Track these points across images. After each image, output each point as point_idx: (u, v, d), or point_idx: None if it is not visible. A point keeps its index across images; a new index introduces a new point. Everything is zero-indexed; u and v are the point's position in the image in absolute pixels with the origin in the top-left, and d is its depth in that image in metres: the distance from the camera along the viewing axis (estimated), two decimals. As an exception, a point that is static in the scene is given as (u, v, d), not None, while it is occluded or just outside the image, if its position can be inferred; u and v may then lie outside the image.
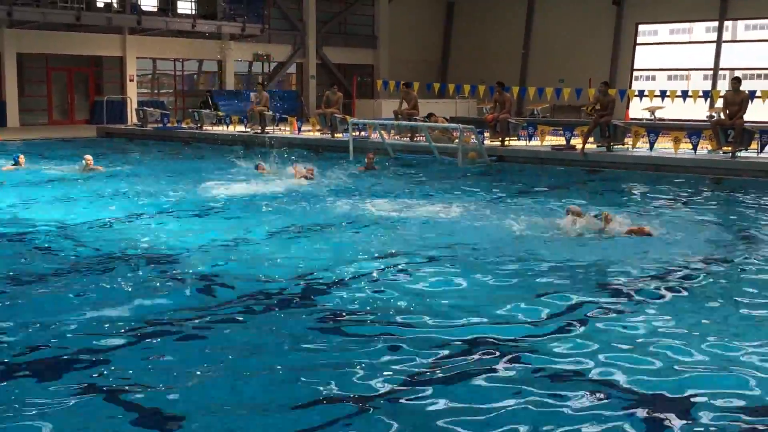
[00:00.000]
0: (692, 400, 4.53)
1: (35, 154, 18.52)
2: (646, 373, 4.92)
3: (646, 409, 4.41)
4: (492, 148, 18.75)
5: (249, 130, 24.49)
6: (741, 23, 41.78)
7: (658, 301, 6.54)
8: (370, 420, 4.29)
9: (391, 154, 18.87)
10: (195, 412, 4.37)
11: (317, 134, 23.23)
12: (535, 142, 19.31)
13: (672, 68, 46.64)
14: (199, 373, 4.94)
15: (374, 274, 7.45)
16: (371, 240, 9.07)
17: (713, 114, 24.24)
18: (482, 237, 9.16)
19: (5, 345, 5.40)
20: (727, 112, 16.67)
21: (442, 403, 4.46)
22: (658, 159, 16.79)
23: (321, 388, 4.66)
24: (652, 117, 29.53)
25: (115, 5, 30.21)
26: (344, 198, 12.19)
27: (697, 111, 28.05)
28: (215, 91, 32.55)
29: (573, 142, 18.54)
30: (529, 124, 20.31)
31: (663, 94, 24.28)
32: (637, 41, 35.33)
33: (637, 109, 31.55)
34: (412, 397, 4.56)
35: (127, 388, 4.68)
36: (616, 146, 18.11)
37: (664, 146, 17.81)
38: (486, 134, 19.70)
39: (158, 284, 7.09)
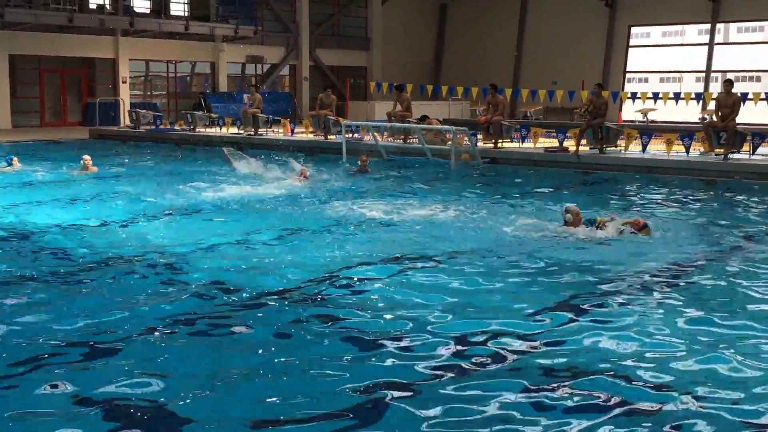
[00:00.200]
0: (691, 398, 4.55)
1: (27, 155, 18.46)
2: (643, 372, 4.93)
3: (646, 407, 4.42)
4: (485, 150, 18.77)
5: (242, 131, 24.47)
6: (733, 25, 41.90)
7: (654, 300, 6.56)
8: (367, 420, 4.28)
9: (384, 156, 18.87)
10: (192, 412, 4.37)
11: (310, 136, 23.23)
12: (528, 144, 19.33)
13: (664, 70, 46.83)
14: (195, 373, 4.94)
15: (368, 276, 7.44)
16: (364, 242, 9.07)
17: (705, 116, 24.35)
18: (475, 239, 9.17)
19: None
20: (720, 114, 16.73)
21: (439, 404, 4.46)
22: (651, 161, 16.83)
23: (318, 388, 4.67)
24: (645, 119, 29.61)
25: (107, 7, 30.14)
26: (337, 200, 12.18)
27: (690, 113, 28.15)
28: (208, 93, 32.50)
29: (566, 144, 18.57)
30: (522, 126, 20.34)
31: (655, 97, 24.32)
32: (630, 43, 35.40)
33: (630, 111, 31.62)
34: (410, 397, 4.56)
35: (122, 390, 4.67)
36: (608, 148, 18.15)
37: (657, 148, 17.85)
38: (479, 136, 19.72)
39: (153, 286, 7.08)
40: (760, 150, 16.55)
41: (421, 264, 7.95)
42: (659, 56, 39.97)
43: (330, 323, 5.98)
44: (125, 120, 28.82)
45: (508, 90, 26.84)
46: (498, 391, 4.67)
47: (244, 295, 6.76)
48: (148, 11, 31.59)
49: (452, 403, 4.51)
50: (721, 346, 5.46)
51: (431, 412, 4.37)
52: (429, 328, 5.82)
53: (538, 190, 14.22)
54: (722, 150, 16.48)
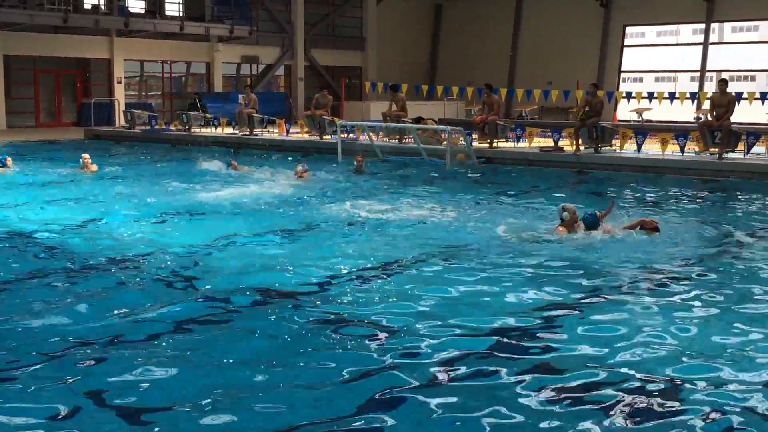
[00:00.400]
0: (688, 396, 4.56)
1: (21, 156, 18.44)
2: (638, 371, 4.94)
3: (646, 405, 4.43)
4: (480, 150, 18.78)
5: (237, 132, 24.47)
6: (728, 25, 42.02)
7: (648, 299, 6.57)
8: (363, 420, 4.28)
9: (379, 156, 18.87)
10: (186, 411, 4.37)
11: (306, 136, 23.23)
12: (523, 144, 19.35)
13: (659, 70, 46.89)
14: (191, 373, 4.94)
15: (364, 276, 7.44)
16: (361, 242, 9.08)
17: (700, 116, 24.36)
18: (471, 238, 9.18)
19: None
20: (714, 113, 16.76)
21: (436, 403, 4.47)
22: (646, 160, 16.86)
23: (313, 387, 4.67)
24: (640, 119, 29.64)
25: (102, 7, 30.10)
26: (334, 200, 12.18)
27: (685, 113, 28.21)
28: (203, 94, 32.47)
29: (561, 143, 18.59)
30: (518, 126, 20.35)
31: (650, 96, 24.36)
32: (625, 43, 35.46)
33: (625, 111, 31.67)
34: (406, 396, 4.56)
35: (116, 391, 4.67)
36: (604, 148, 18.18)
37: (652, 148, 17.88)
38: (474, 136, 19.73)
39: (151, 287, 7.08)
40: (754, 149, 16.60)
41: (417, 264, 7.95)
42: (654, 56, 40.06)
43: (326, 323, 5.98)
44: (120, 120, 28.79)
45: (503, 90, 26.87)
46: (498, 390, 4.68)
47: (241, 294, 6.75)
48: (142, 11, 31.56)
49: (450, 402, 4.51)
50: (725, 344, 5.48)
51: (429, 412, 4.37)
52: (428, 327, 5.82)
53: (534, 189, 14.23)
54: (717, 149, 16.51)
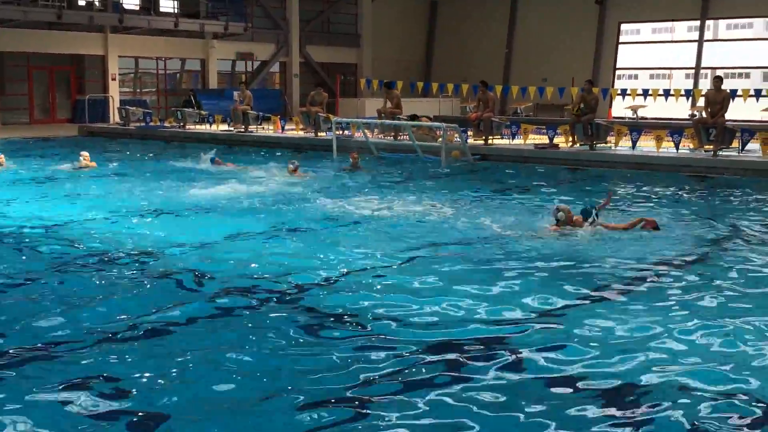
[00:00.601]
0: (683, 395, 4.56)
1: (15, 152, 18.39)
2: (634, 369, 4.94)
3: (639, 404, 4.43)
4: (475, 147, 18.78)
5: (232, 129, 24.43)
6: (722, 22, 41.98)
7: (642, 297, 6.57)
8: (359, 419, 4.28)
9: (374, 153, 18.86)
10: (181, 412, 4.36)
11: (301, 133, 23.20)
12: (518, 141, 19.36)
13: (654, 67, 46.85)
14: (185, 373, 4.93)
15: (359, 274, 7.43)
16: (356, 240, 9.07)
17: (695, 113, 24.38)
18: (466, 235, 9.18)
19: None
20: (709, 110, 16.78)
21: (430, 404, 4.47)
22: (641, 157, 16.88)
23: (307, 389, 4.66)
24: (635, 116, 29.66)
25: (96, 3, 29.97)
26: (329, 197, 12.17)
27: (679, 110, 28.18)
28: (198, 90, 32.41)
29: (556, 140, 18.60)
30: (513, 123, 20.37)
31: (645, 93, 24.33)
32: (620, 40, 35.46)
33: (620, 108, 31.67)
34: (401, 396, 4.56)
35: (111, 390, 4.66)
36: (599, 144, 18.19)
37: (647, 145, 17.90)
38: (469, 133, 19.73)
39: (142, 284, 7.07)
40: (749, 146, 16.63)
41: (412, 261, 7.95)
42: (649, 53, 40.07)
43: (321, 321, 5.97)
44: (115, 117, 28.71)
45: (498, 87, 26.80)
46: (493, 390, 4.67)
47: (237, 292, 6.74)
48: (137, 8, 31.44)
49: (446, 401, 4.51)
50: (711, 340, 5.48)
51: (422, 411, 4.37)
52: (423, 325, 5.82)
53: (529, 186, 14.23)
54: (711, 146, 16.54)
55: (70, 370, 4.94)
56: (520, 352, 5.25)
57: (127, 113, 27.02)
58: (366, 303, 6.42)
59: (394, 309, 6.23)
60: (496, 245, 8.63)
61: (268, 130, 24.10)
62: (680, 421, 4.23)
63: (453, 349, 5.32)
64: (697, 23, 33.55)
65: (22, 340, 5.48)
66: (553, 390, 4.64)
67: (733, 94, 18.24)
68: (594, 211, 9.14)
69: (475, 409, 4.39)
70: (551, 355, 5.22)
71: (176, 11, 31.43)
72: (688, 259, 8.05)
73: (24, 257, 8.28)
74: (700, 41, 33.14)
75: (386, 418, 4.26)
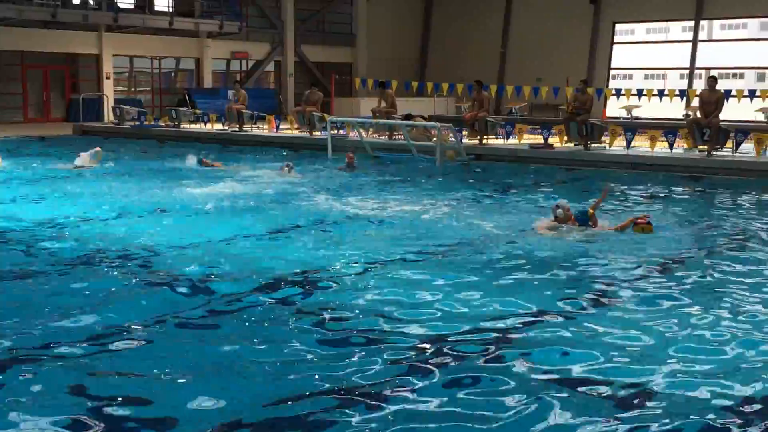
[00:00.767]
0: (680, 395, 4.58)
1: (3, 150, 18.35)
2: (629, 370, 4.96)
3: (632, 405, 4.44)
4: (470, 147, 18.80)
5: (227, 128, 24.41)
6: (717, 23, 42.17)
7: (635, 297, 6.59)
8: (352, 420, 4.28)
9: (369, 153, 18.86)
10: (176, 412, 4.36)
11: (295, 132, 23.19)
12: (513, 141, 19.38)
13: (649, 67, 46.98)
14: (179, 373, 4.93)
15: (354, 273, 7.43)
16: (351, 239, 9.07)
17: (689, 113, 24.42)
18: (461, 235, 9.19)
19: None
20: (703, 111, 16.82)
21: (427, 403, 4.47)
22: (635, 157, 16.91)
23: (301, 388, 4.66)
24: (629, 116, 29.69)
25: (91, 2, 29.92)
26: (324, 197, 12.18)
27: (674, 110, 28.24)
28: (193, 89, 32.38)
29: (551, 140, 18.63)
30: (507, 123, 20.39)
31: (640, 93, 24.40)
32: (614, 40, 35.51)
33: (615, 108, 31.71)
34: (395, 396, 4.56)
35: (106, 390, 4.66)
36: (593, 144, 18.22)
37: (641, 145, 17.93)
38: (464, 132, 19.75)
39: (138, 285, 7.06)
40: (743, 147, 16.66)
41: (407, 260, 7.96)
42: (643, 53, 40.13)
43: (314, 320, 5.97)
44: (109, 116, 28.66)
45: (493, 86, 26.88)
46: (487, 389, 4.68)
47: (230, 292, 6.74)
48: (132, 7, 31.41)
49: (440, 401, 4.52)
50: (715, 344, 5.50)
51: (415, 412, 4.38)
52: (418, 325, 5.83)
53: (523, 186, 14.24)
54: (706, 147, 16.58)
55: (57, 372, 4.94)
56: (517, 352, 5.26)
57: (122, 112, 26.98)
58: (361, 302, 6.42)
59: (390, 308, 6.22)
60: (490, 244, 8.64)
61: (262, 129, 24.09)
62: (681, 421, 4.25)
63: (447, 347, 5.32)
64: (692, 23, 33.62)
65: (14, 341, 5.46)
66: (552, 390, 4.65)
67: (727, 94, 18.29)
68: (588, 220, 9.14)
69: (471, 410, 4.40)
70: (549, 354, 5.24)
71: (171, 10, 31.40)
72: (681, 258, 8.07)
73: (12, 256, 8.26)
74: (695, 41, 33.20)
75: (384, 418, 4.26)
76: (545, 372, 4.93)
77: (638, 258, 7.98)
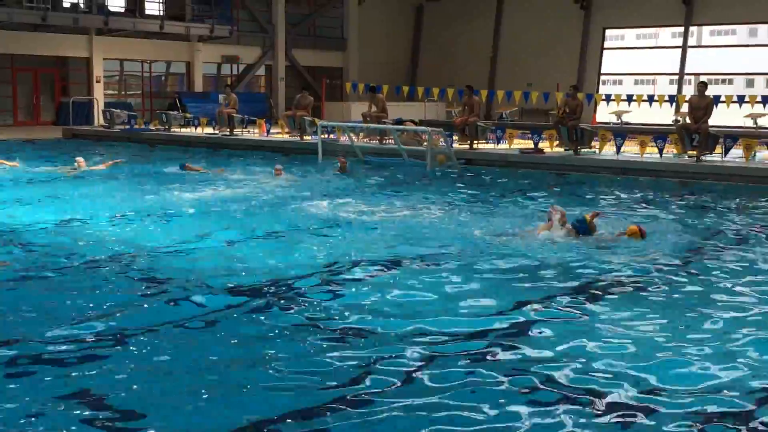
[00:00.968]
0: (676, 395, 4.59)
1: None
2: (623, 372, 4.97)
3: (628, 405, 4.46)
4: (461, 151, 18.82)
5: (217, 132, 24.39)
6: (706, 29, 42.39)
7: (628, 300, 6.61)
8: (346, 421, 4.28)
9: (360, 157, 18.87)
10: (168, 414, 4.35)
11: (286, 136, 23.18)
12: (503, 146, 19.42)
13: (638, 73, 47.16)
14: (172, 375, 4.92)
15: (345, 277, 7.44)
16: (342, 244, 9.07)
17: (679, 118, 24.55)
18: (452, 239, 9.19)
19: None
20: (693, 116, 16.89)
21: (422, 403, 4.48)
22: (625, 162, 16.96)
23: (297, 389, 4.66)
24: (619, 121, 29.82)
25: (81, 5, 29.88)
26: (315, 201, 12.18)
27: (663, 115, 28.41)
28: (183, 93, 32.33)
29: (541, 145, 18.67)
30: (498, 128, 20.44)
31: (630, 99, 24.53)
32: (605, 46, 35.65)
33: (604, 113, 31.85)
34: (389, 396, 4.57)
35: (101, 392, 4.65)
36: (583, 149, 18.27)
37: (631, 150, 17.99)
38: (455, 137, 19.78)
39: (132, 288, 7.05)
40: (732, 152, 16.74)
41: (398, 265, 7.96)
42: (633, 59, 40.37)
43: (307, 324, 5.97)
44: (99, 119, 28.60)
45: (483, 91, 26.94)
46: (479, 391, 4.69)
47: (223, 295, 6.74)
48: (122, 10, 31.35)
49: (435, 401, 4.52)
50: (709, 346, 5.53)
51: (411, 412, 4.38)
52: (405, 329, 5.83)
53: (514, 190, 14.27)
54: (695, 152, 16.65)
55: (51, 374, 4.92)
56: (510, 353, 5.27)
57: (112, 116, 26.93)
58: (352, 305, 6.41)
59: (381, 311, 6.23)
60: (481, 248, 8.65)
61: (253, 133, 24.07)
62: (680, 422, 4.26)
63: (439, 349, 5.33)
64: (681, 29, 33.78)
65: (3, 347, 5.44)
66: (549, 390, 4.66)
67: (717, 99, 18.39)
68: (589, 226, 9.14)
69: (463, 411, 4.40)
70: (548, 355, 5.25)
71: (162, 14, 31.35)
72: (671, 263, 8.10)
73: (12, 257, 8.23)
74: (684, 47, 33.36)
75: (381, 418, 4.26)
76: (536, 373, 4.94)
77: (630, 261, 8.01)
